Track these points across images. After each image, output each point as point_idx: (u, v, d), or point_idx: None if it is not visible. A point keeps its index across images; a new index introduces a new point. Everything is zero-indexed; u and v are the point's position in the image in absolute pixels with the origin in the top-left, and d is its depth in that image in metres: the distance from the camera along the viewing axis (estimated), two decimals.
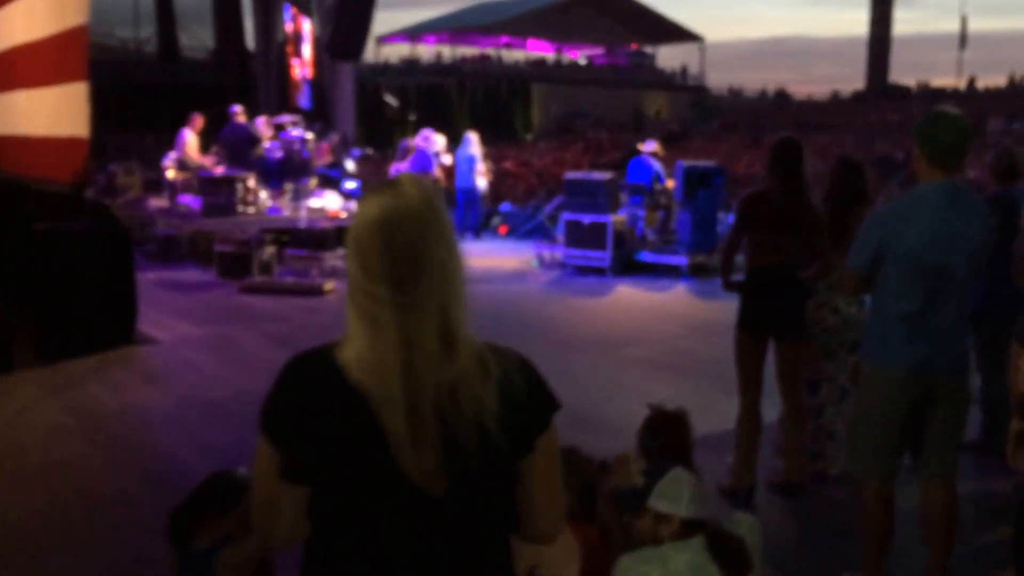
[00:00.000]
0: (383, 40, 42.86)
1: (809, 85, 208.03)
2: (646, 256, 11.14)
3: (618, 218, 10.98)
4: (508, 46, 46.56)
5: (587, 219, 10.87)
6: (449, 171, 13.23)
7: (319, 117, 16.44)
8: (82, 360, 6.86)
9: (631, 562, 2.44)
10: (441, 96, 33.22)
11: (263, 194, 12.31)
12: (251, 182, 12.00)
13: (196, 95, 15.79)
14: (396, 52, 44.00)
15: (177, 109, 12.75)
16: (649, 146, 12.39)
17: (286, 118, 13.06)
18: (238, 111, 13.17)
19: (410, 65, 42.13)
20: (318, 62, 17.84)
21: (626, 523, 2.59)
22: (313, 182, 12.47)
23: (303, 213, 11.33)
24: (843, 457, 4.24)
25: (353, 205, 12.09)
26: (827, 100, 45.49)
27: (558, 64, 47.68)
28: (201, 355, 7.20)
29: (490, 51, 46.00)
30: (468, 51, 45.64)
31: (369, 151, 16.08)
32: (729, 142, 26.23)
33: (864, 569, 3.45)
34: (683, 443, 3.19)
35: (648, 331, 8.22)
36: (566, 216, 11.21)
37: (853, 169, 4.51)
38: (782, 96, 52.95)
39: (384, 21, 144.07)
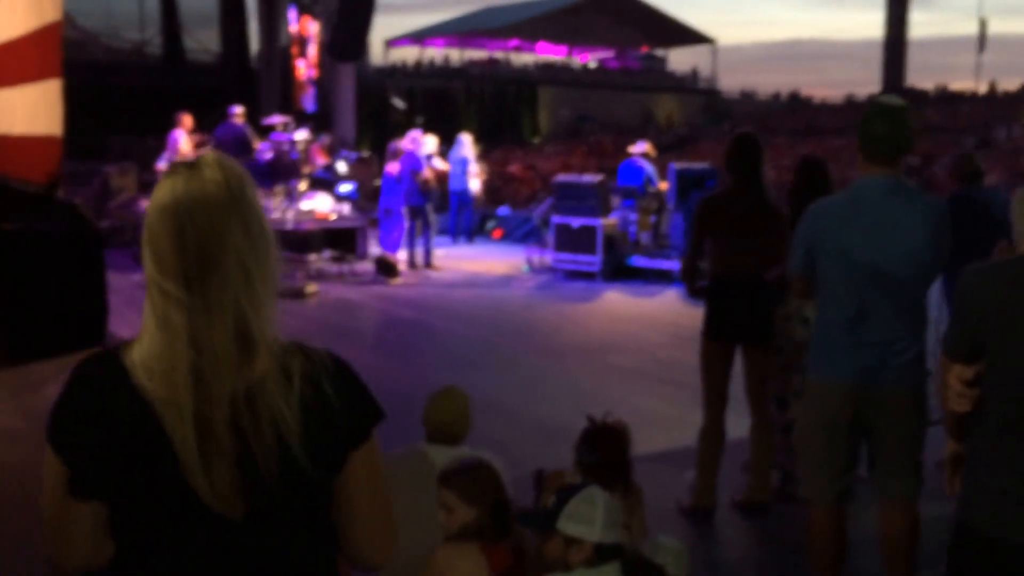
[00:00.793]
0: (391, 43, 42.80)
1: (824, 88, 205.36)
2: (637, 260, 10.92)
3: (609, 222, 10.78)
4: (518, 49, 46.46)
5: (576, 222, 10.68)
6: (441, 174, 13.04)
7: (322, 119, 16.33)
8: (51, 362, 6.72)
9: None
10: (448, 99, 33.12)
11: None
12: None
13: (200, 98, 15.71)
14: (404, 55, 43.97)
15: (180, 112, 12.72)
16: (639, 147, 11.98)
17: (277, 119, 12.93)
18: (237, 111, 13.04)
19: (418, 68, 42.09)
20: (320, 64, 17.77)
21: (536, 546, 2.41)
22: (303, 184, 12.32)
23: (290, 215, 11.20)
24: None
25: (345, 207, 11.95)
26: (842, 103, 45.06)
27: (568, 67, 47.51)
28: None
29: (499, 54, 45.92)
30: (476, 54, 45.56)
31: (365, 153, 15.94)
32: None
33: None
34: (622, 458, 3.01)
35: (631, 338, 8.02)
36: (555, 219, 11.01)
37: (817, 167, 4.30)
38: (795, 99, 52.54)
39: (393, 25, 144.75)
